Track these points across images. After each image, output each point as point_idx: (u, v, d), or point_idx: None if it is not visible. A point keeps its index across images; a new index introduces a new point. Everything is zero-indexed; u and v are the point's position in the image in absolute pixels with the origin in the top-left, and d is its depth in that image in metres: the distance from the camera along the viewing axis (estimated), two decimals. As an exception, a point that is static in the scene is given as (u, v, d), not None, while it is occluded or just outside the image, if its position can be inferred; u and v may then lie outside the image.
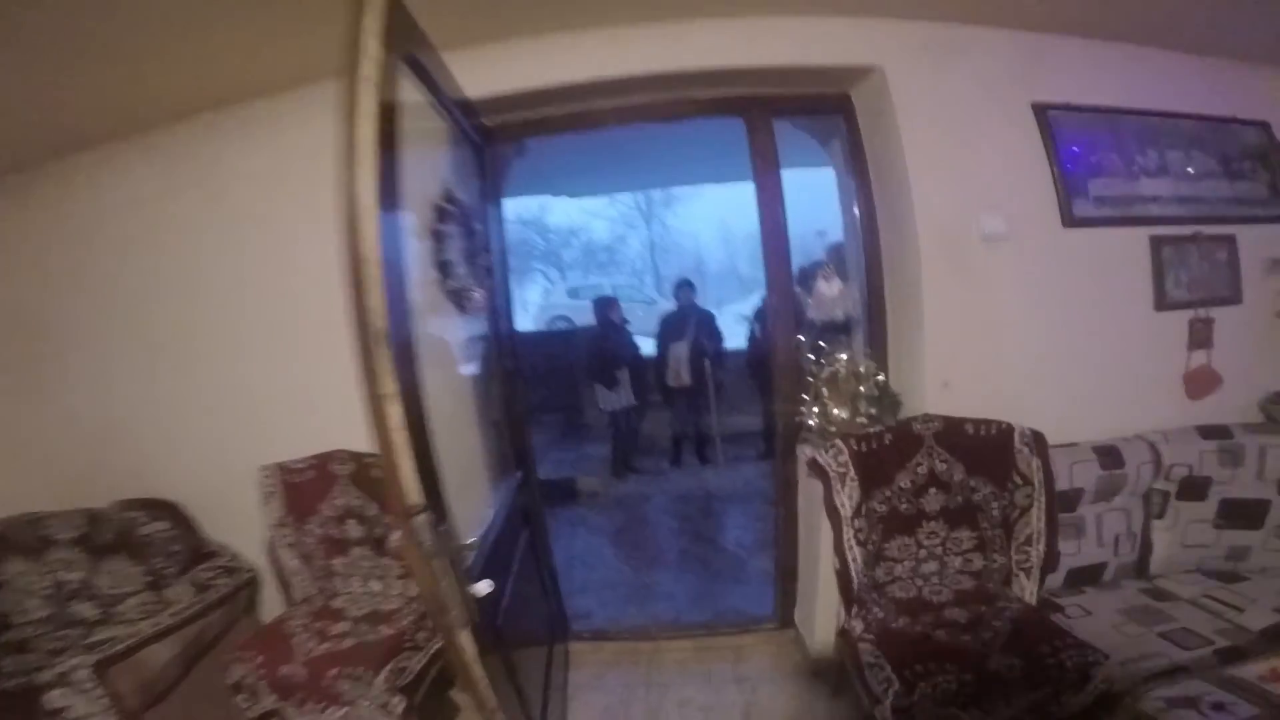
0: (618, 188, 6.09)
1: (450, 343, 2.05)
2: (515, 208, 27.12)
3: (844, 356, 2.32)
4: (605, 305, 5.48)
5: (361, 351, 1.09)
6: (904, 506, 2.07)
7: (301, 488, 2.43)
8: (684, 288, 5.52)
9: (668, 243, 29.61)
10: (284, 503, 2.44)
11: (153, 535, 2.44)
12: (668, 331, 5.47)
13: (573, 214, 27.98)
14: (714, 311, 5.83)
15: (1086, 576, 2.25)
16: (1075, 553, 2.21)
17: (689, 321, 5.40)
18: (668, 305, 15.82)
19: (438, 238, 1.83)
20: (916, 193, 2.22)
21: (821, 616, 2.41)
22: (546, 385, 6.72)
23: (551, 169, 4.54)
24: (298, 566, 2.49)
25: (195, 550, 2.56)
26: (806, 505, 2.49)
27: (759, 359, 5.37)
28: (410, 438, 1.13)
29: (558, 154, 4.21)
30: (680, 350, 5.35)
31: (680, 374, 5.34)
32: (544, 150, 3.92)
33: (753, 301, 19.78)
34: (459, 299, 1.97)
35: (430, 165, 1.96)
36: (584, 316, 5.85)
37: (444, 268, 1.85)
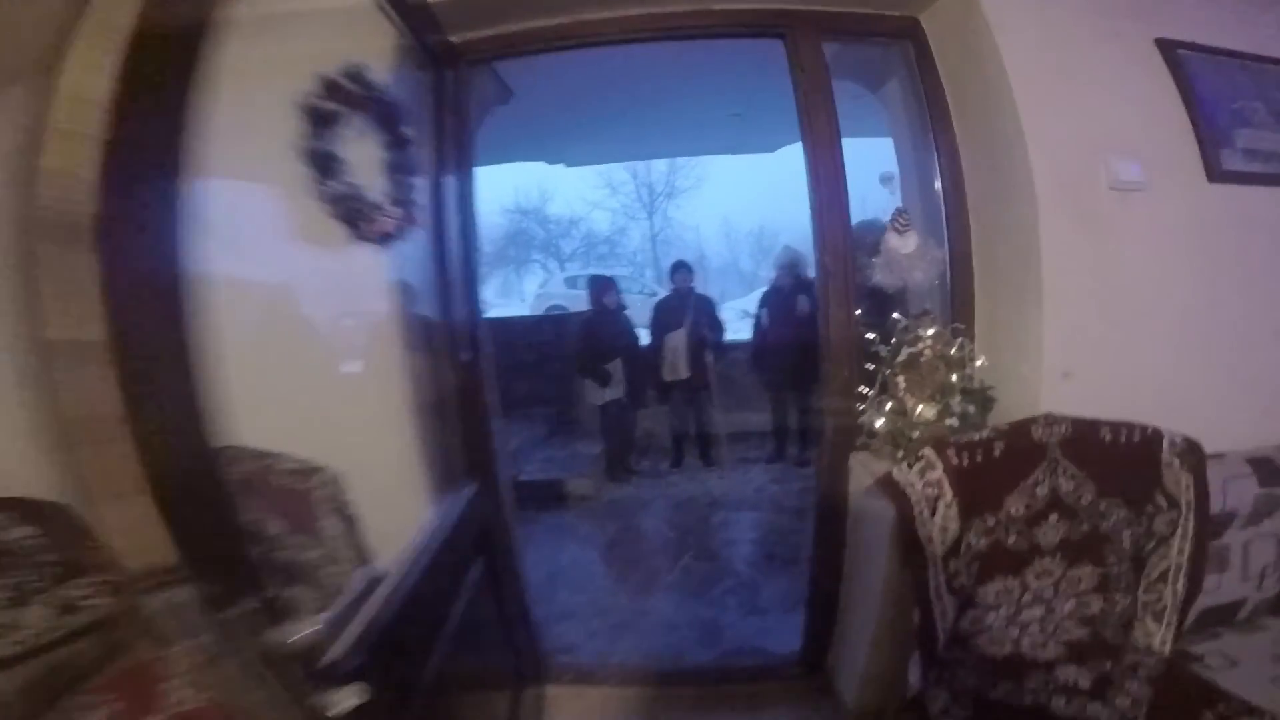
0: (621, 155, 5.51)
1: (321, 284, 1.50)
2: (514, 194, 26.78)
3: (929, 334, 1.75)
4: (600, 287, 4.86)
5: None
6: (1012, 540, 1.53)
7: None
8: (680, 270, 4.95)
9: (669, 235, 29.05)
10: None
11: (15, 543, 1.90)
12: (663, 319, 4.87)
13: (574, 203, 27.49)
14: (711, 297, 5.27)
15: (1219, 616, 1.74)
16: (1215, 589, 1.69)
17: (686, 307, 4.82)
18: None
19: (319, 120, 1.28)
20: (1030, 129, 1.68)
21: (867, 664, 1.88)
22: (535, 376, 6.16)
23: (545, 128, 3.98)
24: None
25: (78, 563, 2.02)
26: (861, 530, 1.95)
27: (769, 350, 4.82)
28: (143, 434, 0.59)
29: (551, 109, 3.66)
30: (677, 340, 4.76)
31: (677, 366, 4.77)
32: (534, 100, 3.38)
33: (754, 298, 19.48)
34: (353, 216, 1.42)
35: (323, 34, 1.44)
36: (581, 306, 5.28)
37: (322, 162, 1.30)
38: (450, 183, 1.89)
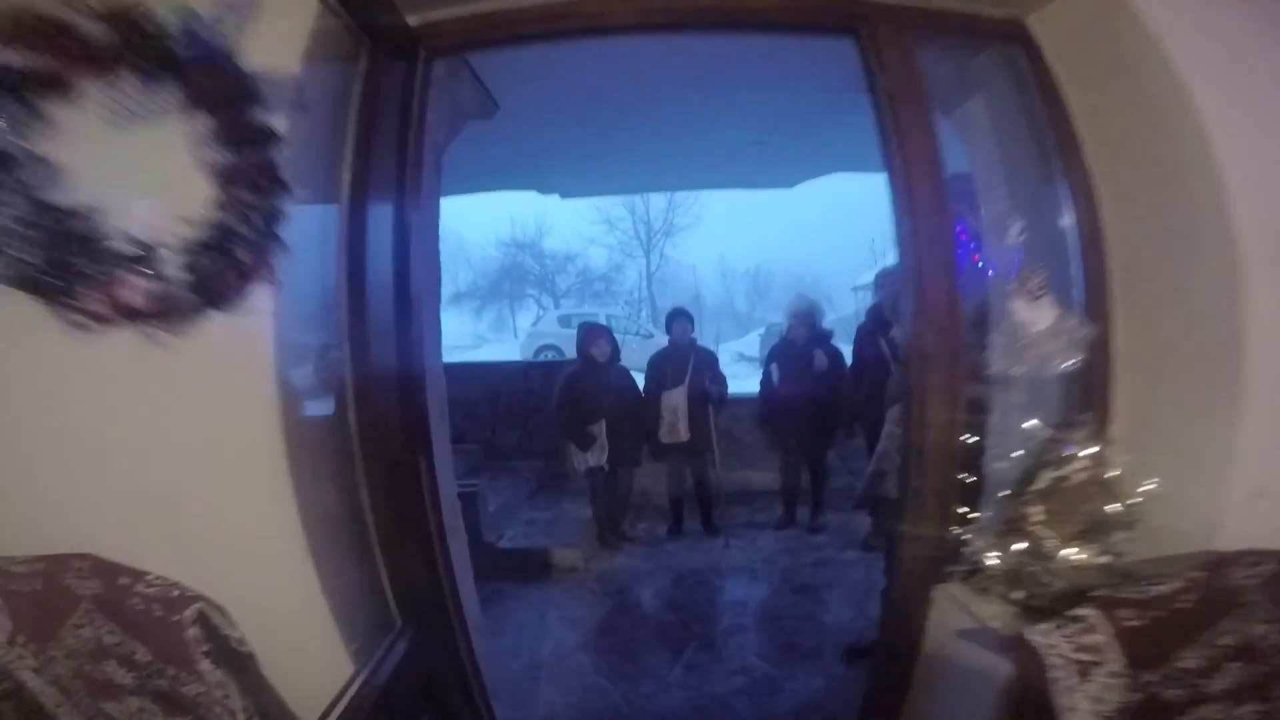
0: (622, 186, 5.07)
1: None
2: (509, 228, 26.58)
3: (1085, 453, 1.23)
4: (587, 336, 4.22)
5: None
6: (1172, 692, 1.05)
7: (30, 600, 1.37)
8: (679, 320, 4.40)
9: (666, 274, 28.94)
10: (9, 615, 1.39)
11: None
12: (659, 374, 4.32)
13: (570, 239, 27.40)
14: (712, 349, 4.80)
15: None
16: None
17: (685, 362, 4.30)
18: (664, 339, 15.12)
19: None
20: (1225, 160, 1.22)
21: None
22: (521, 427, 5.64)
23: (537, 151, 3.57)
24: (57, 696, 1.43)
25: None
26: (945, 676, 1.44)
27: (779, 409, 4.35)
28: None
29: (544, 127, 3.24)
30: (676, 399, 4.23)
31: (677, 428, 4.23)
32: (524, 117, 2.96)
33: (750, 341, 18.98)
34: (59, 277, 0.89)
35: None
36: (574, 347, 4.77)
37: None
38: (385, 208, 1.38)
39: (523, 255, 26.97)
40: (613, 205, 27.74)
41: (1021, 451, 1.30)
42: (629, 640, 3.25)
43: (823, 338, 4.33)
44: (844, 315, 16.60)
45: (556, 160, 3.78)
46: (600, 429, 4.07)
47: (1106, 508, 1.20)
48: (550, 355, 13.90)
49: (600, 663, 3.06)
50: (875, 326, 3.91)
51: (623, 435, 4.16)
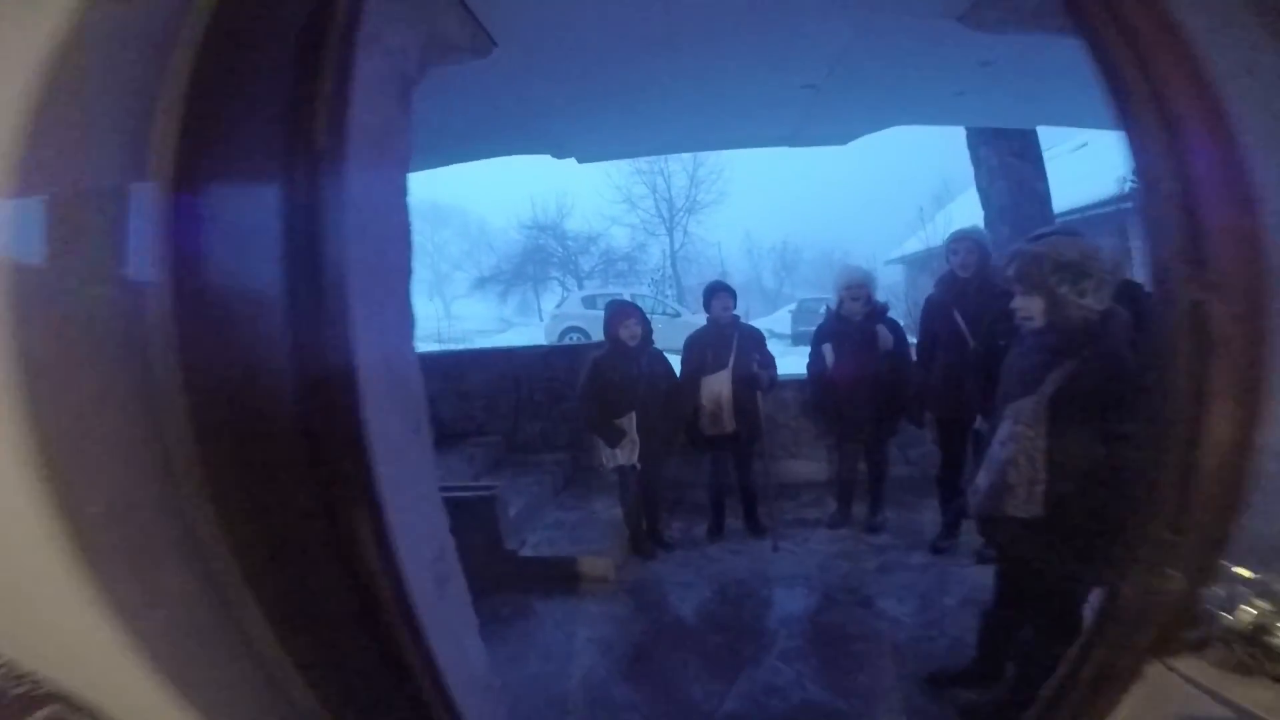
0: (649, 145, 4.52)
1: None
2: (530, 210, 26.16)
3: None
4: (615, 316, 3.70)
5: None
6: None
7: None
8: (719, 294, 3.86)
9: (690, 252, 28.29)
10: None
11: None
12: (698, 357, 3.83)
13: (591, 219, 26.90)
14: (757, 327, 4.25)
15: None
16: None
17: (728, 343, 3.81)
18: (693, 318, 14.47)
19: None
20: None
21: None
22: (546, 416, 5.22)
23: (546, 104, 3.08)
24: None
25: None
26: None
27: (834, 393, 3.82)
28: None
29: (554, 73, 2.75)
30: (719, 384, 3.76)
31: (720, 417, 3.76)
32: (529, 58, 2.47)
33: (778, 318, 18.31)
34: None
35: None
36: (600, 328, 4.27)
37: None
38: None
39: (545, 237, 26.61)
40: (634, 183, 27.27)
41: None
42: (668, 667, 2.82)
43: (881, 311, 3.79)
44: (882, 289, 15.89)
45: (570, 116, 3.27)
46: (631, 422, 3.61)
47: None
48: (575, 338, 13.52)
49: (636, 696, 2.64)
50: (949, 297, 3.38)
51: (656, 428, 3.69)
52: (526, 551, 3.66)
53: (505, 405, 5.23)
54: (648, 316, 3.83)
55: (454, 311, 35.79)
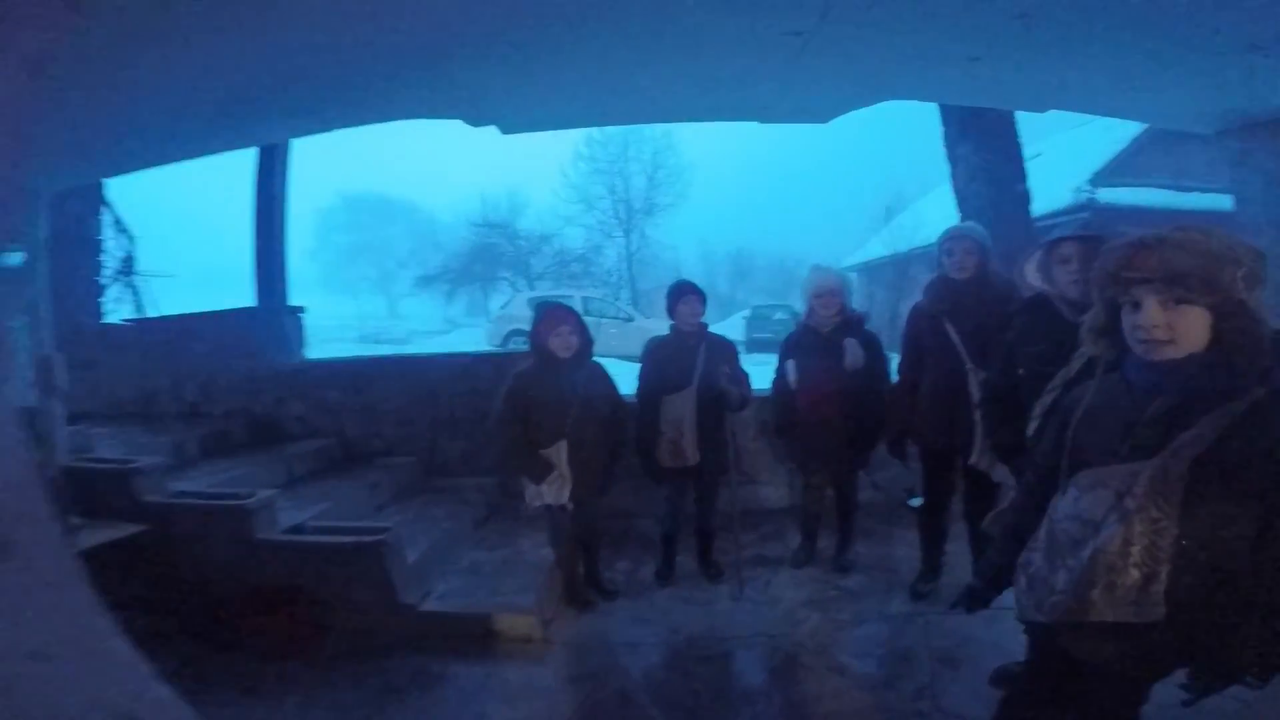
0: (593, 114, 3.79)
1: None
2: (481, 208, 25.20)
3: None
4: (547, 322, 2.96)
5: None
6: None
7: None
8: (686, 297, 3.21)
9: (647, 255, 27.71)
10: None
11: None
12: (658, 372, 3.23)
13: (546, 219, 26.05)
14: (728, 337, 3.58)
15: None
16: None
17: (694, 356, 3.17)
18: (646, 322, 13.89)
19: None
20: None
21: None
22: (470, 435, 4.50)
23: (460, 58, 2.42)
24: None
25: None
26: None
27: (801, 414, 3.26)
28: None
29: (468, 16, 2.09)
30: (682, 406, 3.13)
31: (681, 447, 3.13)
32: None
33: (731, 324, 18.03)
34: None
35: None
36: None
37: None
38: None
39: (495, 235, 25.63)
40: (592, 183, 26.65)
41: None
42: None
43: (856, 322, 3.25)
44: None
45: (490, 75, 2.61)
46: (560, 453, 2.93)
47: None
48: (522, 342, 12.76)
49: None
50: (941, 306, 2.83)
51: (594, 461, 3.01)
52: (431, 605, 2.96)
53: (420, 422, 4.49)
54: (590, 321, 3.17)
55: (399, 311, 34.42)
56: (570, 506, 2.98)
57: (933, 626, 2.85)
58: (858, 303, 3.36)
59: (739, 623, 3.00)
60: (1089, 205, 11.79)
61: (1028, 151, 5.44)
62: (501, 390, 2.98)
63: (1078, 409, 1.43)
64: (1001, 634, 2.62)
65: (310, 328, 5.19)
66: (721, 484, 3.33)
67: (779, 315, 18.22)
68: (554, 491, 2.93)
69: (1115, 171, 12.54)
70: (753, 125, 3.82)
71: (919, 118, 5.69)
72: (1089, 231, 2.05)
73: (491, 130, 3.45)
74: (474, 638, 2.86)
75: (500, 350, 11.42)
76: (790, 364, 3.27)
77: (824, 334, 3.20)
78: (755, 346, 14.77)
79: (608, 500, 3.28)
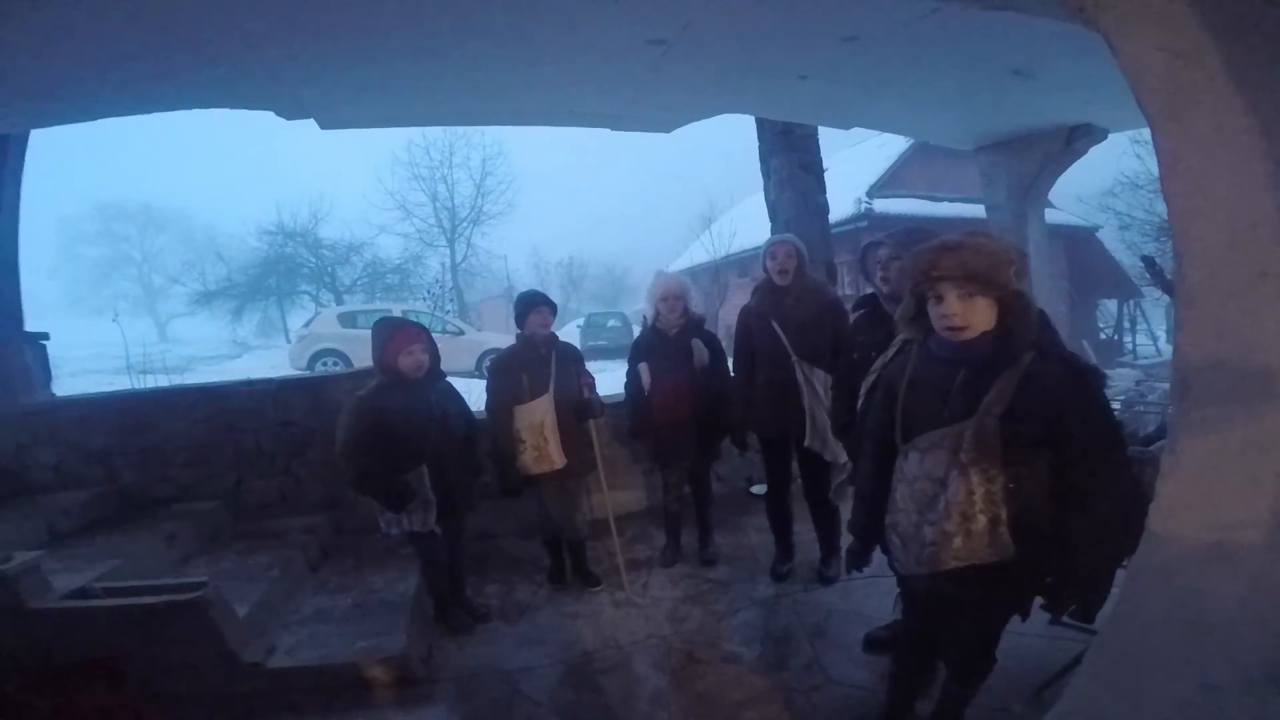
0: (426, 113, 3.43)
1: None
2: (279, 213, 22.37)
3: None
4: (395, 340, 2.70)
5: None
6: None
7: None
8: (538, 308, 3.11)
9: (474, 265, 26.63)
10: None
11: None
12: (510, 384, 3.09)
13: (356, 228, 23.91)
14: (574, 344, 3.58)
15: None
16: None
17: (546, 365, 3.10)
18: (478, 336, 13.25)
19: None
20: None
21: None
22: (281, 473, 3.90)
23: (273, 37, 2.06)
24: None
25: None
26: None
27: (655, 415, 3.32)
28: None
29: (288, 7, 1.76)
30: (539, 413, 3.03)
31: (547, 451, 3.03)
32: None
33: (568, 332, 18.09)
34: None
35: None
36: (363, 349, 3.13)
37: None
38: None
39: (293, 245, 22.90)
40: (411, 189, 25.04)
41: None
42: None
43: (698, 323, 3.39)
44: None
45: (304, 67, 2.28)
46: (422, 477, 2.66)
47: None
48: (331, 363, 11.48)
49: None
50: (766, 306, 3.07)
51: (458, 482, 2.81)
52: (281, 660, 2.50)
53: (221, 460, 3.79)
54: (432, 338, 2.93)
55: (172, 334, 29.18)
56: (439, 531, 2.74)
57: (800, 604, 3.03)
58: (699, 306, 3.51)
59: (629, 628, 2.95)
60: (867, 214, 13.68)
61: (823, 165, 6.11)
62: (344, 417, 2.64)
63: (901, 385, 1.70)
64: (859, 603, 2.90)
65: (56, 359, 4.18)
66: (589, 487, 3.28)
67: (612, 323, 18.64)
68: (419, 518, 2.67)
69: (886, 184, 14.74)
70: (582, 133, 3.83)
71: (735, 130, 6.10)
72: (894, 238, 2.40)
73: (284, 132, 3.07)
74: (345, 689, 2.46)
75: (309, 373, 10.14)
76: (643, 366, 3.31)
77: (671, 336, 3.29)
78: (591, 354, 14.90)
79: (470, 522, 3.06)
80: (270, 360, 15.92)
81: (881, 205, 14.05)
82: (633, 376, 3.37)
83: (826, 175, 5.91)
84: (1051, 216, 11.82)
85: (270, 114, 2.94)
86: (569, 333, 17.58)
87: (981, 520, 1.52)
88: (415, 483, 2.65)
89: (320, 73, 2.48)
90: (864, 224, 13.32)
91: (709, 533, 3.61)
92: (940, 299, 1.58)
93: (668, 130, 3.57)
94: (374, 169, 25.49)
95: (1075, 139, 4.40)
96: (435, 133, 24.76)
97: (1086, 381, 1.51)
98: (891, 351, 1.88)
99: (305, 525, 3.64)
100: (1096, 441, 1.47)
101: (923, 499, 1.60)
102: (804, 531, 3.32)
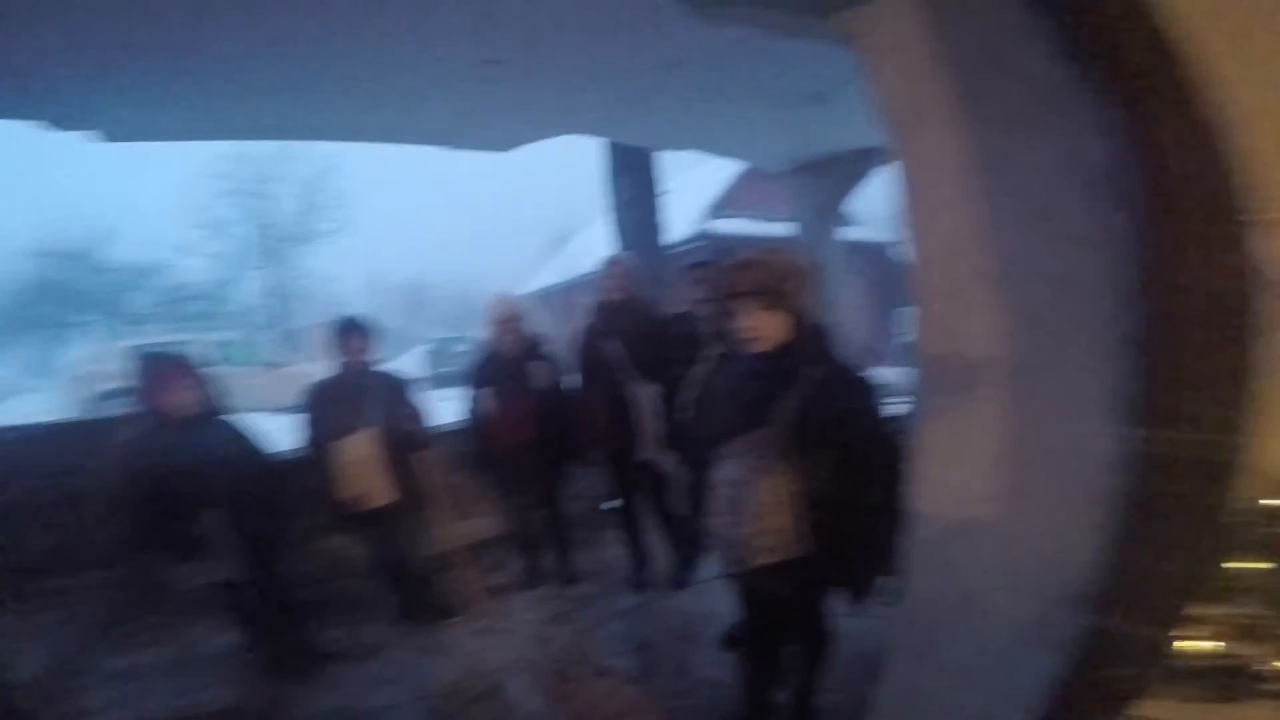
0: (236, 124, 3.04)
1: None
2: (45, 234, 18.77)
3: None
4: (158, 379, 2.48)
5: None
6: None
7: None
8: (354, 335, 2.98)
9: (301, 289, 24.27)
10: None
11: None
12: (327, 416, 2.89)
13: (151, 247, 20.85)
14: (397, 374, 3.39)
15: None
16: None
17: (366, 395, 2.95)
18: (304, 367, 12.01)
19: None
20: None
21: None
22: (64, 523, 3.30)
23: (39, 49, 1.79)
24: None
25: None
26: None
27: (499, 441, 3.27)
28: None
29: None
30: (361, 447, 2.86)
31: (369, 488, 2.87)
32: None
33: (407, 361, 17.10)
34: None
35: None
36: None
37: None
38: None
39: (72, 268, 19.45)
40: (221, 205, 22.24)
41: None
42: None
43: (536, 345, 3.36)
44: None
45: (84, 73, 2.00)
46: (216, 524, 2.40)
47: None
48: (122, 404, 9.81)
49: None
50: (603, 325, 3.16)
51: (264, 527, 2.57)
52: None
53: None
54: (225, 372, 2.69)
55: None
56: (255, 578, 2.48)
57: (660, 611, 3.10)
58: (538, 328, 3.52)
59: (496, 655, 2.82)
60: (706, 235, 14.52)
61: (663, 187, 6.42)
62: (111, 465, 2.34)
63: (707, 395, 1.86)
64: (714, 603, 2.92)
65: None
66: (426, 519, 3.12)
67: (461, 348, 17.87)
68: (223, 567, 2.41)
69: (723, 205, 15.74)
70: (430, 150, 3.72)
71: (586, 151, 6.22)
72: (703, 259, 2.65)
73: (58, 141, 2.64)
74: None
75: (93, 417, 8.60)
76: (484, 392, 3.25)
77: (510, 359, 3.25)
78: (441, 382, 14.16)
79: (295, 565, 2.80)
80: (42, 403, 13.29)
81: (720, 226, 14.95)
82: (474, 403, 3.29)
83: (675, 195, 6.18)
84: (859, 233, 13.49)
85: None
86: (414, 360, 16.65)
87: (782, 519, 1.66)
88: (207, 530, 2.39)
89: (105, 80, 2.17)
90: (703, 243, 14.10)
91: (567, 552, 3.58)
92: (738, 313, 1.71)
93: (505, 149, 3.57)
94: (175, 182, 22.42)
95: (868, 161, 5.02)
96: (252, 144, 22.32)
97: (863, 391, 1.71)
98: (706, 365, 2.02)
99: (99, 581, 3.10)
100: (871, 445, 1.67)
101: (732, 502, 1.72)
102: (658, 540, 3.40)
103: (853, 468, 1.65)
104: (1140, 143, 0.97)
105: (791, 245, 2.38)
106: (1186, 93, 0.92)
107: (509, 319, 3.24)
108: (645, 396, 3.04)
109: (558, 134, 3.49)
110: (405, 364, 17.35)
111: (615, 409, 3.07)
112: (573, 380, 3.34)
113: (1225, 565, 0.94)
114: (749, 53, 2.47)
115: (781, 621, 1.93)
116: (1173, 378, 0.98)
